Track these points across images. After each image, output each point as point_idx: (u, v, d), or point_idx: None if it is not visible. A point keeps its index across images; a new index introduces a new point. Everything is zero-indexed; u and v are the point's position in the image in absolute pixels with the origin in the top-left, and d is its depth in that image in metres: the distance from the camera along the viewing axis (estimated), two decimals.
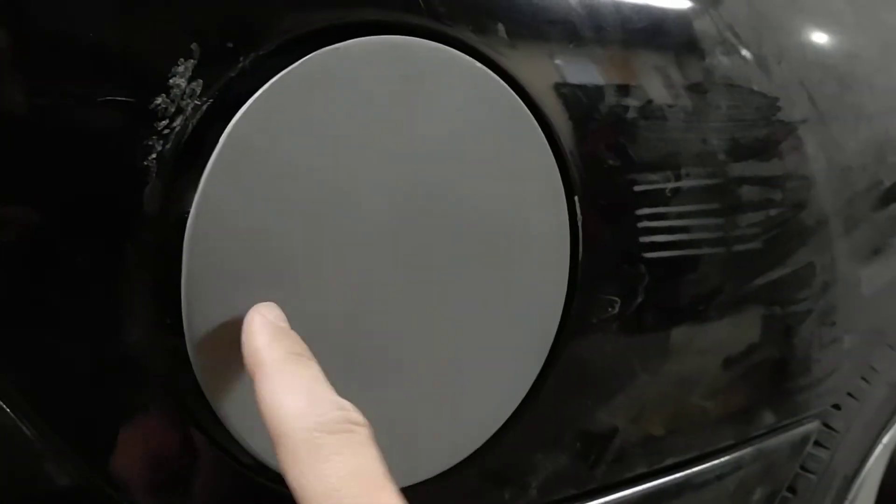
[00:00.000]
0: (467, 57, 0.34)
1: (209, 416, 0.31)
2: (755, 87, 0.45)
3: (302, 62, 0.31)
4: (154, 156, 0.29)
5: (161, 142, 0.29)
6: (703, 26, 0.43)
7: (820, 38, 0.49)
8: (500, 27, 0.36)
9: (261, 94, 0.30)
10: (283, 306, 0.30)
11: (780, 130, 0.45)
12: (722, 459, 0.46)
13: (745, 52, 0.44)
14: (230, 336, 0.29)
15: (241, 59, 0.30)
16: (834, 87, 0.49)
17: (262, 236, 0.31)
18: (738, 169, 0.43)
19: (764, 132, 0.45)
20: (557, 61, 0.37)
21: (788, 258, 0.47)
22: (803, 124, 0.47)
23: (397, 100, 0.33)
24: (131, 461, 0.30)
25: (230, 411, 0.31)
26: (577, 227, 0.38)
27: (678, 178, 0.41)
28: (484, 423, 0.37)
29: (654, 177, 0.40)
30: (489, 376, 0.36)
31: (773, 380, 0.48)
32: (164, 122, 0.29)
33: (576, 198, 0.37)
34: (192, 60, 0.29)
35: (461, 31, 0.34)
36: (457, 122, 0.34)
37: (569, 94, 0.37)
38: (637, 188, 0.39)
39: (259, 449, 0.32)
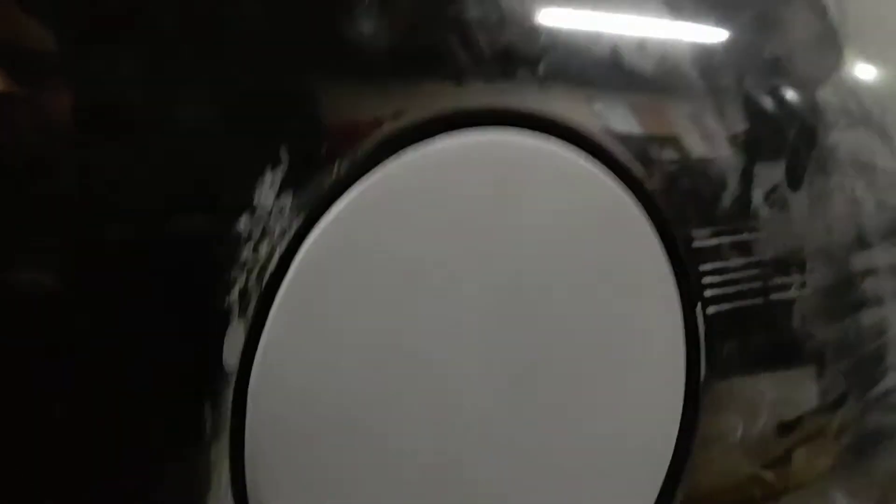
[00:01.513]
0: (572, 154, 0.29)
1: None
2: (879, 163, 0.40)
3: (385, 169, 0.26)
4: (236, 293, 0.23)
5: (244, 275, 0.24)
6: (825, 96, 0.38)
7: None
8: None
9: (343, 207, 0.25)
10: (365, 449, 0.25)
11: None
12: None
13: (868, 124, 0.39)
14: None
15: (336, 165, 0.25)
16: None
17: (339, 373, 0.25)
18: (864, 260, 0.38)
19: (888, 214, 0.40)
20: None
21: None
22: None
23: (492, 206, 0.27)
24: None
25: None
26: (699, 338, 0.33)
27: (803, 273, 0.36)
28: None
29: (782, 278, 0.35)
30: None
31: None
32: (249, 245, 0.24)
33: (698, 305, 0.32)
34: (280, 169, 0.24)
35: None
36: (559, 229, 0.29)
37: (690, 188, 0.32)
38: (767, 291, 0.34)
39: None
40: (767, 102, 0.35)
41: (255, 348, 0.24)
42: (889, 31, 0.43)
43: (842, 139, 0.38)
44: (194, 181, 0.23)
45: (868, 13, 0.42)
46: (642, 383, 0.32)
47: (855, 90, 0.39)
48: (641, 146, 0.31)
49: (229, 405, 0.23)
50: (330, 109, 0.25)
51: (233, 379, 0.24)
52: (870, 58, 0.41)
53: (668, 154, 0.32)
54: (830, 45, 0.39)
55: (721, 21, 0.35)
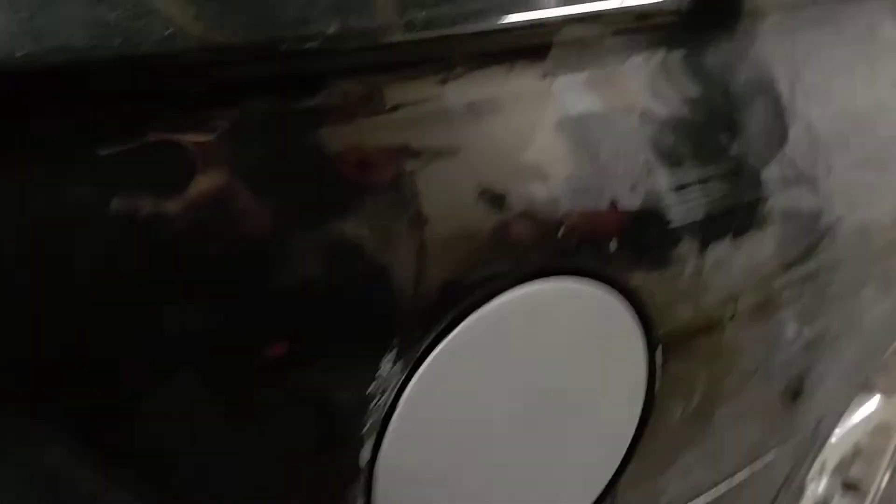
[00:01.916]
0: (607, 293, 0.42)
1: None
2: (805, 207, 0.52)
3: (466, 325, 0.39)
4: (367, 426, 0.38)
5: (373, 416, 0.38)
6: (770, 174, 0.49)
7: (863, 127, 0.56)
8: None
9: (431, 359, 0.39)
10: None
11: (819, 234, 0.54)
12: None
13: (801, 181, 0.51)
14: None
15: (429, 339, 0.38)
16: (871, 175, 0.57)
17: (441, 460, 0.41)
18: (783, 280, 0.53)
19: (806, 242, 0.53)
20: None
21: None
22: (839, 221, 0.55)
23: (539, 347, 0.41)
24: None
25: None
26: (655, 373, 0.48)
27: (735, 302, 0.50)
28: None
29: (716, 308, 0.49)
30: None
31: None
32: (375, 400, 0.37)
33: (658, 350, 0.47)
34: (394, 351, 0.37)
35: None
36: (586, 346, 0.43)
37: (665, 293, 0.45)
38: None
39: None
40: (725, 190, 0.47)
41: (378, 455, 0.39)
42: (830, 94, 0.53)
43: (776, 202, 0.50)
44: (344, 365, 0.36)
45: (817, 89, 0.52)
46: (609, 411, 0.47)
47: (793, 158, 0.51)
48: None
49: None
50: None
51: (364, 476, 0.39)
52: (808, 121, 0.52)
53: None
54: (778, 131, 0.49)
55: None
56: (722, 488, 0.59)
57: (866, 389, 1.04)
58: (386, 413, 0.38)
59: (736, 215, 0.48)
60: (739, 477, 0.60)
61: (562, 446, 0.45)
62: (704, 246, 0.47)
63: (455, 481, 0.42)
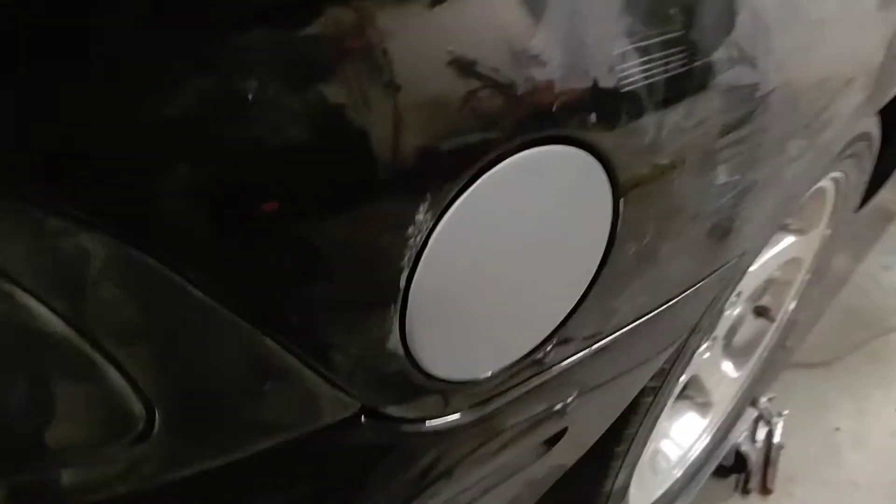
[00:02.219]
0: (587, 156, 0.53)
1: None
2: (745, 82, 0.63)
3: (481, 182, 0.50)
4: (406, 258, 0.49)
5: (411, 251, 0.49)
6: (718, 55, 0.60)
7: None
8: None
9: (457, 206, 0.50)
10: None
11: (755, 104, 0.65)
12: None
13: (745, 61, 0.62)
14: None
15: (452, 193, 0.49)
16: (803, 54, 0.68)
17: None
18: (722, 142, 0.64)
19: (744, 110, 0.64)
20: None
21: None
22: (773, 91, 0.66)
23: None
24: None
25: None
26: (618, 219, 0.60)
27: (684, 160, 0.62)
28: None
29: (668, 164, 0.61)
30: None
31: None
32: (412, 240, 0.49)
33: (621, 201, 0.59)
34: (427, 203, 0.48)
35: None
36: (570, 199, 0.54)
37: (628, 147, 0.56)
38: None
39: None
40: None
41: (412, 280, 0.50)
42: None
43: (722, 79, 0.61)
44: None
45: None
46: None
47: (738, 41, 0.61)
48: None
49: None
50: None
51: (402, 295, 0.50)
52: (753, 9, 0.62)
53: None
54: (727, 19, 0.59)
55: None
56: (661, 310, 0.73)
57: (782, 229, 1.20)
58: (419, 250, 0.50)
59: (689, 90, 0.59)
60: (675, 301, 0.75)
61: (549, 275, 0.58)
62: (663, 115, 0.58)
63: (466, 302, 0.54)
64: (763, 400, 1.66)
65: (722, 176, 0.68)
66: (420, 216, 0.48)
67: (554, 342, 0.63)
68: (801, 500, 1.61)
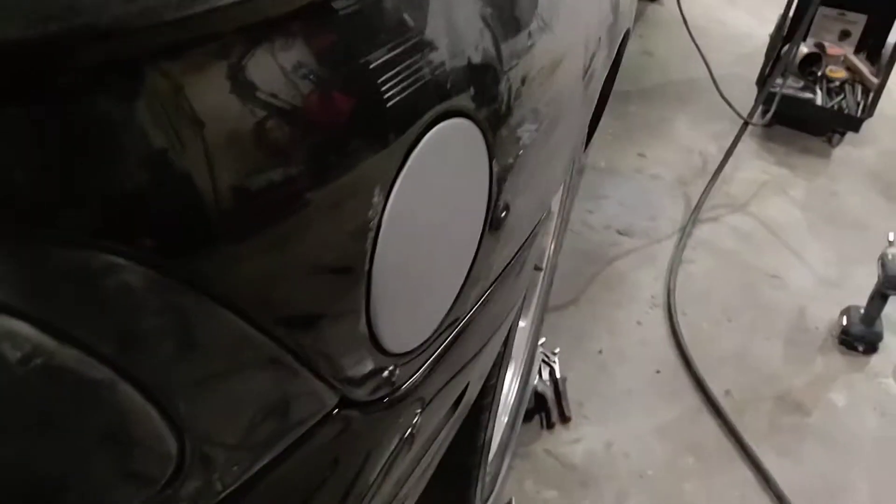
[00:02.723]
0: (472, 125, 0.61)
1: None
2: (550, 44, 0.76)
3: (412, 157, 0.56)
4: (369, 239, 0.54)
5: (372, 232, 0.54)
6: (533, 27, 0.71)
7: None
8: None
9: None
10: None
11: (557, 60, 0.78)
12: None
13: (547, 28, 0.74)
14: None
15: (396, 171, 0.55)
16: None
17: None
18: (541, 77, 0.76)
19: (549, 59, 0.77)
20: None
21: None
22: (565, 55, 0.79)
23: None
24: None
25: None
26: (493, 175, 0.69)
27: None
28: None
29: (518, 116, 0.71)
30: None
31: None
32: (372, 222, 0.54)
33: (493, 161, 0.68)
34: (378, 184, 0.53)
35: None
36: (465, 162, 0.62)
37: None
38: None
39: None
40: None
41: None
42: None
43: (537, 42, 0.73)
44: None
45: None
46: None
47: (541, 13, 0.73)
48: None
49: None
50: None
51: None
52: None
53: None
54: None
55: None
56: (519, 256, 0.84)
57: None
58: (376, 231, 0.55)
59: (523, 59, 0.70)
60: (525, 247, 0.86)
61: (462, 230, 0.66)
62: (509, 84, 0.68)
63: (414, 268, 0.60)
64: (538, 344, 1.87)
65: (549, 130, 0.80)
66: (375, 198, 0.54)
67: (461, 297, 0.70)
68: (594, 417, 1.83)
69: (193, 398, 0.47)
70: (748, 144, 2.77)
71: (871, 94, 2.77)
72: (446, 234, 0.64)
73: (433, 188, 0.60)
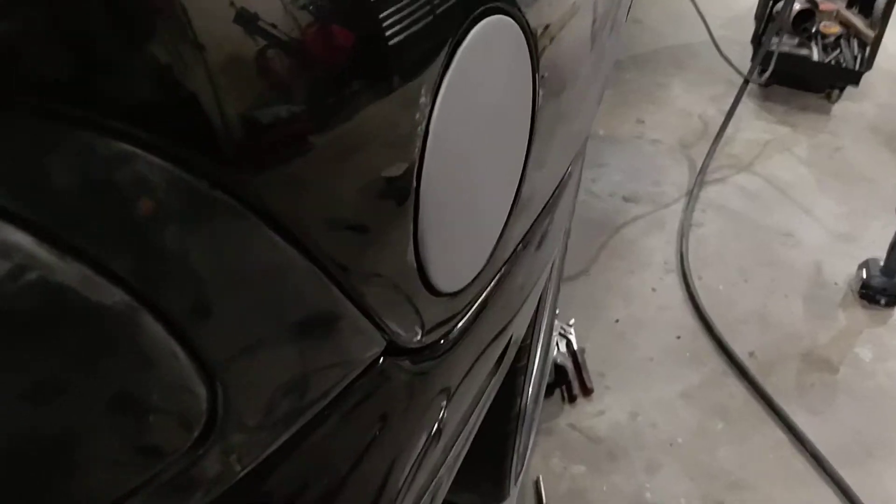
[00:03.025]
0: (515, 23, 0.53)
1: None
2: None
3: (456, 60, 0.48)
4: (416, 148, 0.46)
5: (419, 139, 0.46)
6: None
7: None
8: None
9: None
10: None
11: None
12: None
13: None
14: None
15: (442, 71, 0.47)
16: None
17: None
18: None
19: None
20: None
21: None
22: None
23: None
24: None
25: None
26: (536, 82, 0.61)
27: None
28: None
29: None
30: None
31: None
32: (419, 127, 0.46)
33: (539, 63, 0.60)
34: (424, 84, 0.45)
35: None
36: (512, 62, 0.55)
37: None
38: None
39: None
40: None
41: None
42: None
43: None
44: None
45: None
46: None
47: None
48: None
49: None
50: None
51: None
52: None
53: None
54: None
55: None
56: (560, 188, 0.76)
57: None
58: (423, 139, 0.47)
59: None
60: (568, 177, 0.78)
61: (510, 145, 0.58)
62: None
63: (463, 191, 0.52)
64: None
65: (593, 51, 0.72)
66: (423, 98, 0.46)
67: (508, 225, 0.63)
68: (616, 387, 1.76)
69: (226, 335, 0.39)
70: (747, 105, 2.70)
71: (868, 48, 2.71)
72: (493, 148, 0.56)
73: (479, 93, 0.52)
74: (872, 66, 2.68)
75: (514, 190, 0.62)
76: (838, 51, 2.75)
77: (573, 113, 0.73)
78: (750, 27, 2.86)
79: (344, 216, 0.44)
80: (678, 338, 1.89)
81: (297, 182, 0.40)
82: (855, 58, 2.71)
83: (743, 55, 2.78)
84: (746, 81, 2.49)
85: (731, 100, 2.51)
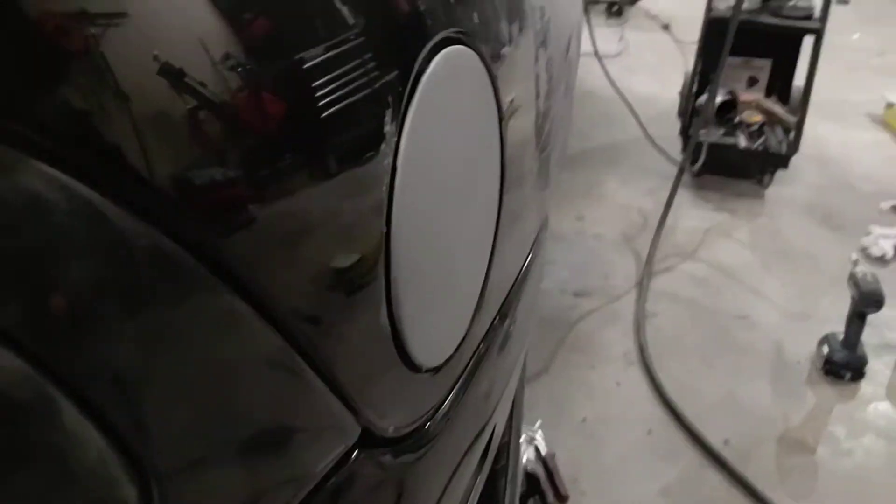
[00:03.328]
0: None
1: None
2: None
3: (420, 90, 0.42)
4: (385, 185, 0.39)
5: (386, 174, 0.39)
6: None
7: None
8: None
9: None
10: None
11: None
12: None
13: None
14: None
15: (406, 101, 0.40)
16: None
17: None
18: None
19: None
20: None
21: None
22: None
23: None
24: None
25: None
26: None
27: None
28: None
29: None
30: None
31: None
32: (386, 160, 0.39)
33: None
34: (390, 111, 0.39)
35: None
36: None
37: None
38: None
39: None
40: None
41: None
42: None
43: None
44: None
45: None
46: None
47: None
48: None
49: None
50: None
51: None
52: None
53: None
54: None
55: None
56: (532, 257, 0.70)
57: None
58: (391, 174, 0.40)
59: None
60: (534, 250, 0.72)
61: (482, 190, 0.51)
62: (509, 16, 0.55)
63: (436, 241, 0.45)
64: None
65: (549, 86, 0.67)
66: (387, 127, 0.39)
67: (484, 293, 0.55)
68: (591, 492, 1.65)
69: (163, 420, 0.30)
70: (683, 196, 2.73)
71: (792, 132, 2.79)
72: (464, 197, 0.49)
73: (444, 131, 0.46)
74: (798, 149, 2.76)
75: (489, 248, 0.54)
76: (763, 137, 2.83)
77: (534, 164, 0.67)
78: (674, 123, 2.94)
79: (308, 284, 0.36)
80: (649, 432, 1.80)
81: (250, 248, 0.33)
82: (780, 142, 2.79)
83: (673, 149, 2.83)
84: (682, 170, 2.52)
85: (667, 192, 2.52)
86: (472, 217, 0.51)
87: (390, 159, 0.40)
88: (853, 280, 1.89)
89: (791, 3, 2.74)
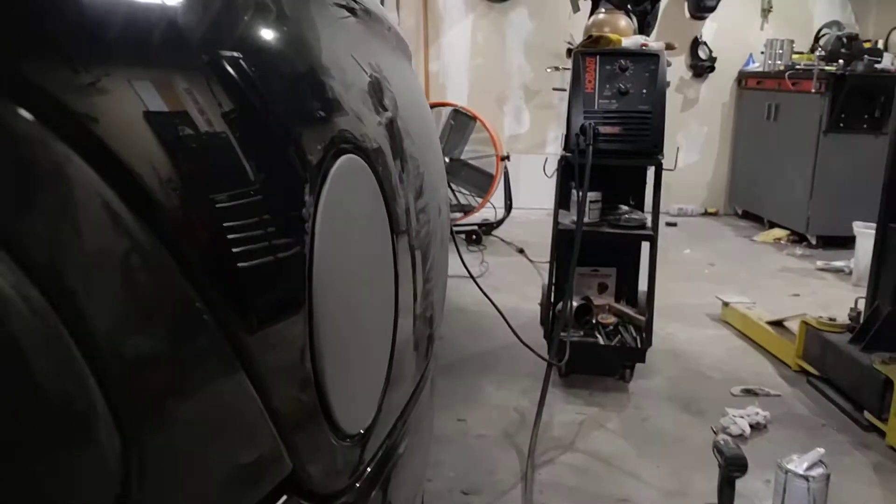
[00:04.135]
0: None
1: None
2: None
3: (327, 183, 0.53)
4: (306, 257, 0.48)
5: (305, 249, 0.48)
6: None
7: None
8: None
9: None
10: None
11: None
12: None
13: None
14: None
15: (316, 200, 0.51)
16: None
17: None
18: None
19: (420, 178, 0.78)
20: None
21: None
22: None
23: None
24: None
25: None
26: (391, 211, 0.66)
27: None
28: None
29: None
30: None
31: None
32: (306, 237, 0.48)
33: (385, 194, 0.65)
34: (307, 196, 0.49)
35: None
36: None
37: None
38: None
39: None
40: None
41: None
42: None
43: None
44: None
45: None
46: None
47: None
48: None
49: None
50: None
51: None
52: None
53: None
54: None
55: None
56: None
57: None
58: (310, 251, 0.49)
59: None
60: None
61: (380, 270, 0.60)
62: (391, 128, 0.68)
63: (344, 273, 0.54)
64: None
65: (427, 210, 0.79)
66: (306, 210, 0.49)
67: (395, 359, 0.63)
68: None
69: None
70: (555, 394, 2.87)
71: (644, 331, 3.04)
72: (370, 285, 0.58)
73: (347, 222, 0.56)
74: (652, 344, 2.99)
75: (391, 335, 0.63)
76: (619, 336, 3.07)
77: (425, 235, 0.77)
78: (538, 330, 3.15)
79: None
80: None
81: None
82: (635, 339, 3.03)
83: (540, 351, 3.01)
84: (550, 365, 2.67)
85: (539, 391, 2.65)
86: (379, 300, 0.60)
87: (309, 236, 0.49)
88: (717, 448, 2.03)
89: (626, 216, 3.11)
